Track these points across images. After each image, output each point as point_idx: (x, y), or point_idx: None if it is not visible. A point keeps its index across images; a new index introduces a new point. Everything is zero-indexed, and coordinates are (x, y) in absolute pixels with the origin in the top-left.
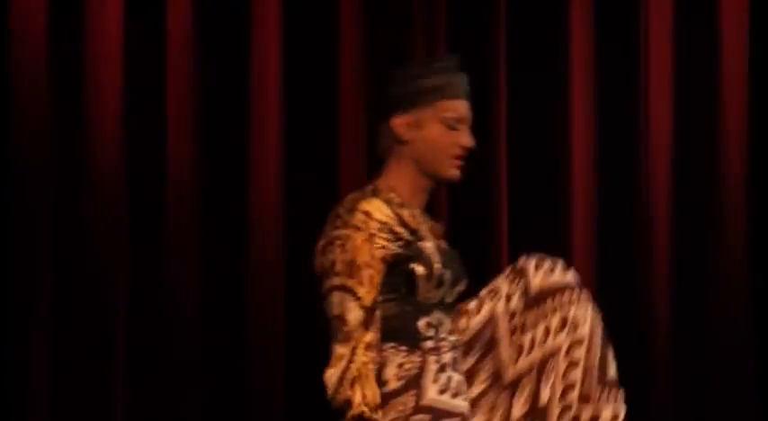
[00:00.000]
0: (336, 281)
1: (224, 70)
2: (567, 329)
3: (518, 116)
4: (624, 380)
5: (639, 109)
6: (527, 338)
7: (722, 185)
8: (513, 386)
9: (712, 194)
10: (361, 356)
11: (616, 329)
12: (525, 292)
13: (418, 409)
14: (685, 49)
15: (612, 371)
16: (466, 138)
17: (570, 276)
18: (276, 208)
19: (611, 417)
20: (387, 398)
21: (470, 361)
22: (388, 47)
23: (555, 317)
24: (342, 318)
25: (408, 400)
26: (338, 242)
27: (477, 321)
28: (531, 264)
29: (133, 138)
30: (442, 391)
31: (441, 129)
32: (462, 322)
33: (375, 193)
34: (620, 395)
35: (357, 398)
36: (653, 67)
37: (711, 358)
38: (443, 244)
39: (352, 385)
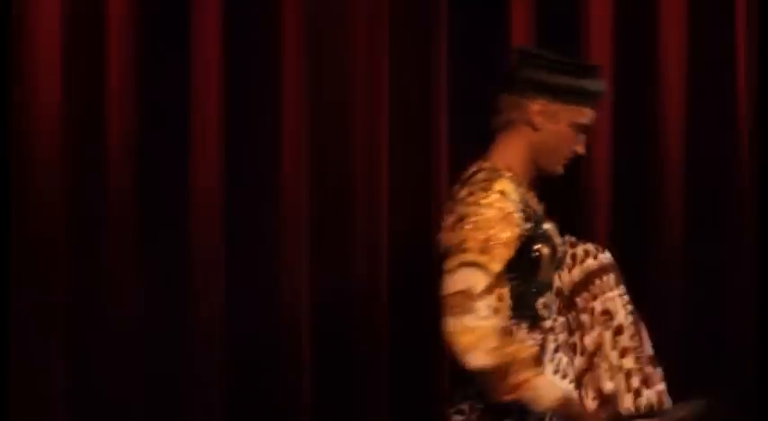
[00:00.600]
0: (470, 257)
1: (164, 54)
2: (604, 320)
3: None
4: None
5: None
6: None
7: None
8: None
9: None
10: (498, 330)
11: None
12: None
13: None
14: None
15: (649, 347)
16: (582, 147)
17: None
18: (217, 193)
19: (663, 389)
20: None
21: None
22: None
23: (596, 305)
24: (470, 294)
25: None
26: (471, 219)
27: None
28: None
29: (71, 123)
30: (555, 372)
31: (569, 131)
32: None
33: (503, 173)
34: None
35: (508, 356)
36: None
37: None
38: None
39: (501, 353)
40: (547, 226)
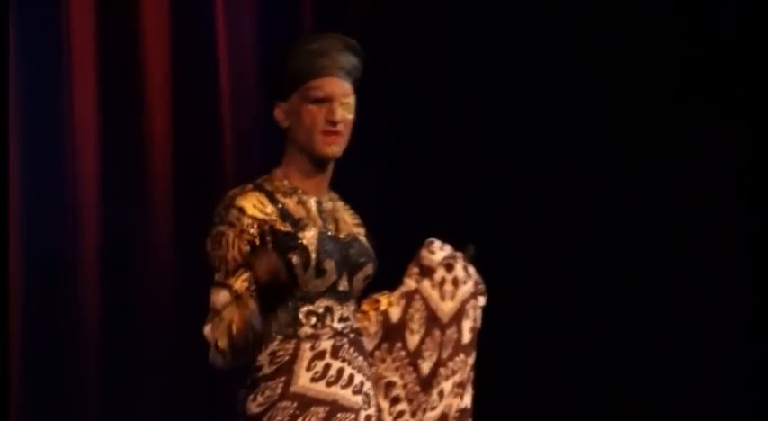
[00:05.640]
0: (215, 276)
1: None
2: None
3: None
4: None
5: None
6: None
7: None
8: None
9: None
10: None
11: None
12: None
13: (285, 396)
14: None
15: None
16: (331, 113)
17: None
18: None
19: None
20: (258, 382)
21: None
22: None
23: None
24: (214, 308)
25: (277, 386)
26: (216, 239)
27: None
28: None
29: None
30: (316, 379)
31: (308, 109)
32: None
33: (262, 185)
34: None
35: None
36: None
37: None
38: (353, 229)
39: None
40: (307, 233)
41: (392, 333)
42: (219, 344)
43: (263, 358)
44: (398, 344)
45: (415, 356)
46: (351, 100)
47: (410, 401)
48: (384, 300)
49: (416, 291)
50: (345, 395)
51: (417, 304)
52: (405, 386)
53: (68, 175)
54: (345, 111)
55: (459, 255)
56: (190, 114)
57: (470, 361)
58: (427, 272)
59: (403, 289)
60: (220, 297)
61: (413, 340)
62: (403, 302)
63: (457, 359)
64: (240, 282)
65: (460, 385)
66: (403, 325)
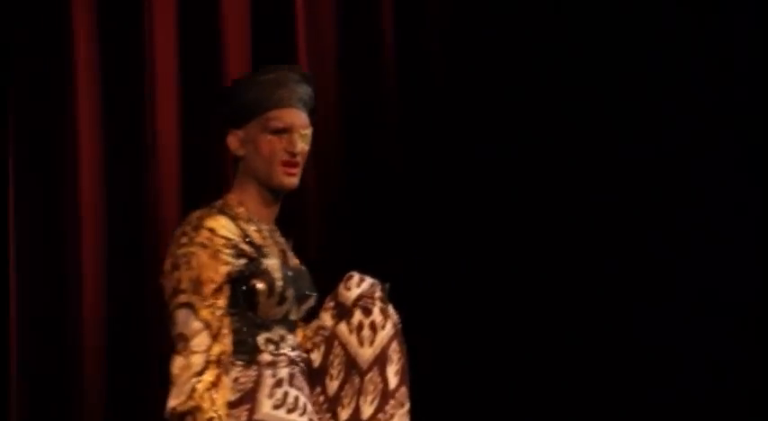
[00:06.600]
0: (183, 298)
1: None
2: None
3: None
4: None
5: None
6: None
7: None
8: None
9: None
10: (213, 368)
11: None
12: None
13: None
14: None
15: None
16: (291, 144)
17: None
18: None
19: None
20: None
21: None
22: None
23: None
24: (185, 336)
25: (242, 415)
26: (184, 260)
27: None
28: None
29: None
30: (277, 406)
31: (268, 140)
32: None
33: (222, 210)
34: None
35: (206, 404)
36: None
37: None
38: (294, 260)
39: (200, 395)
40: (270, 261)
41: (313, 378)
42: (172, 401)
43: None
44: (318, 389)
45: (334, 403)
46: (309, 132)
47: None
48: (299, 332)
49: (335, 336)
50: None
51: (337, 350)
52: None
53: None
54: (304, 143)
55: (377, 291)
56: None
57: (406, 404)
58: (343, 310)
59: (318, 322)
60: (191, 319)
61: (332, 386)
62: (323, 348)
63: (387, 407)
64: (210, 311)
65: None
66: (323, 370)
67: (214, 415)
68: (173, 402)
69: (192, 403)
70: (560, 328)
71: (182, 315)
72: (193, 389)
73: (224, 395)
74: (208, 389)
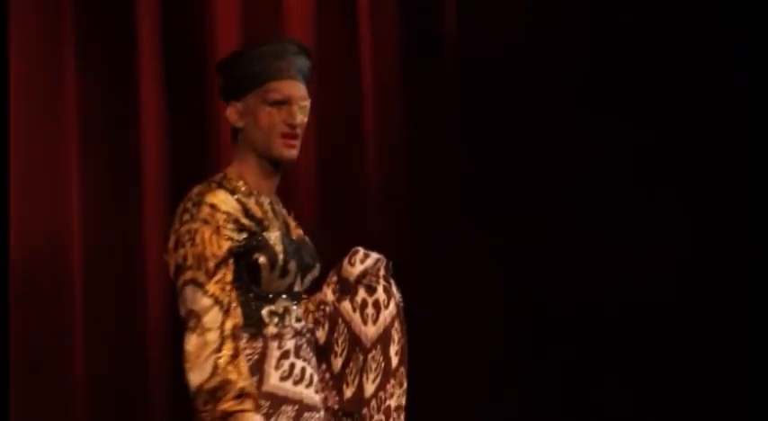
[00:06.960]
0: (189, 275)
1: None
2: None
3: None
4: None
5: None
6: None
7: None
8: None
9: None
10: (229, 342)
11: None
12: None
13: (258, 396)
14: None
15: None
16: (290, 116)
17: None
18: None
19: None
20: None
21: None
22: None
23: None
24: (196, 313)
25: None
26: (188, 236)
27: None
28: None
29: None
30: (284, 378)
31: (267, 111)
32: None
33: (222, 183)
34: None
35: (234, 376)
36: None
37: None
38: (297, 231)
39: (224, 368)
40: (271, 234)
41: (318, 355)
42: (196, 378)
43: None
44: (324, 367)
45: (339, 380)
46: (307, 103)
47: None
48: (302, 304)
49: (339, 313)
50: (309, 394)
51: (341, 328)
52: (328, 410)
53: None
54: (303, 115)
55: (381, 267)
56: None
57: (404, 384)
58: (346, 285)
59: (320, 296)
60: (199, 295)
61: (336, 363)
62: (327, 325)
63: (388, 386)
64: (218, 286)
65: (397, 409)
66: (329, 348)
67: (245, 383)
68: (196, 379)
69: (218, 378)
70: (560, 319)
71: (189, 291)
72: (216, 366)
73: (246, 364)
74: (230, 362)
